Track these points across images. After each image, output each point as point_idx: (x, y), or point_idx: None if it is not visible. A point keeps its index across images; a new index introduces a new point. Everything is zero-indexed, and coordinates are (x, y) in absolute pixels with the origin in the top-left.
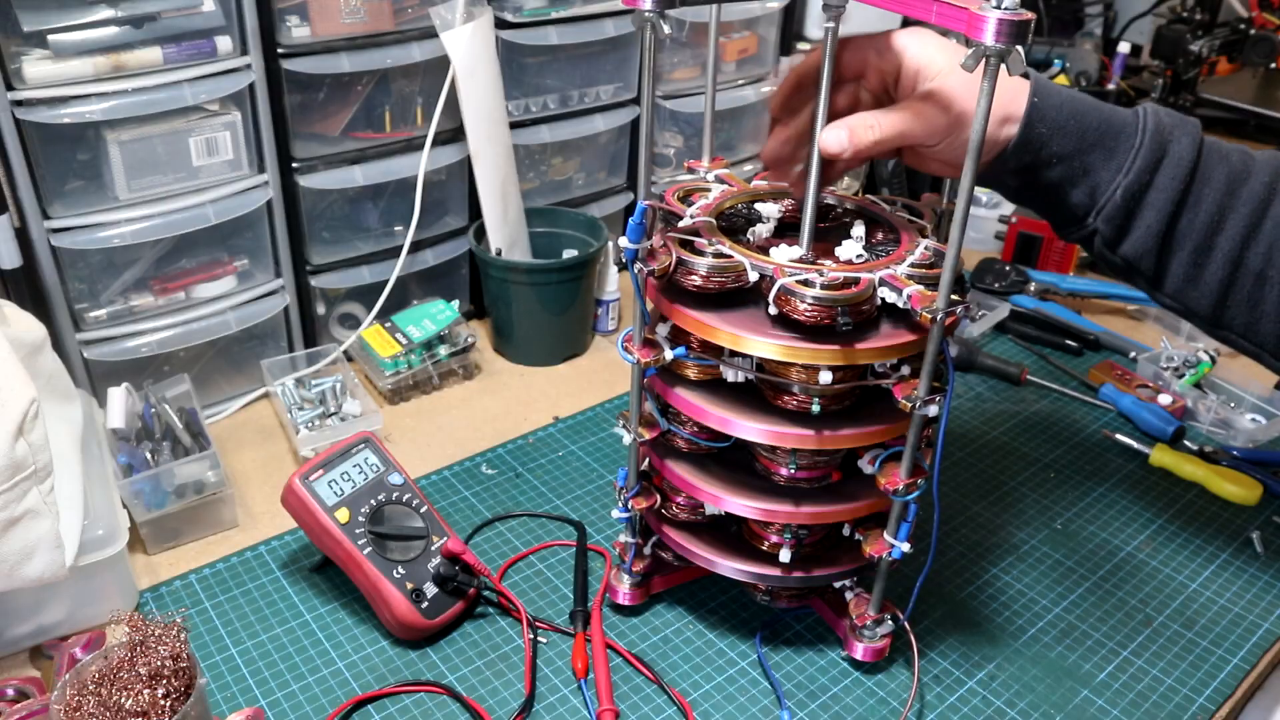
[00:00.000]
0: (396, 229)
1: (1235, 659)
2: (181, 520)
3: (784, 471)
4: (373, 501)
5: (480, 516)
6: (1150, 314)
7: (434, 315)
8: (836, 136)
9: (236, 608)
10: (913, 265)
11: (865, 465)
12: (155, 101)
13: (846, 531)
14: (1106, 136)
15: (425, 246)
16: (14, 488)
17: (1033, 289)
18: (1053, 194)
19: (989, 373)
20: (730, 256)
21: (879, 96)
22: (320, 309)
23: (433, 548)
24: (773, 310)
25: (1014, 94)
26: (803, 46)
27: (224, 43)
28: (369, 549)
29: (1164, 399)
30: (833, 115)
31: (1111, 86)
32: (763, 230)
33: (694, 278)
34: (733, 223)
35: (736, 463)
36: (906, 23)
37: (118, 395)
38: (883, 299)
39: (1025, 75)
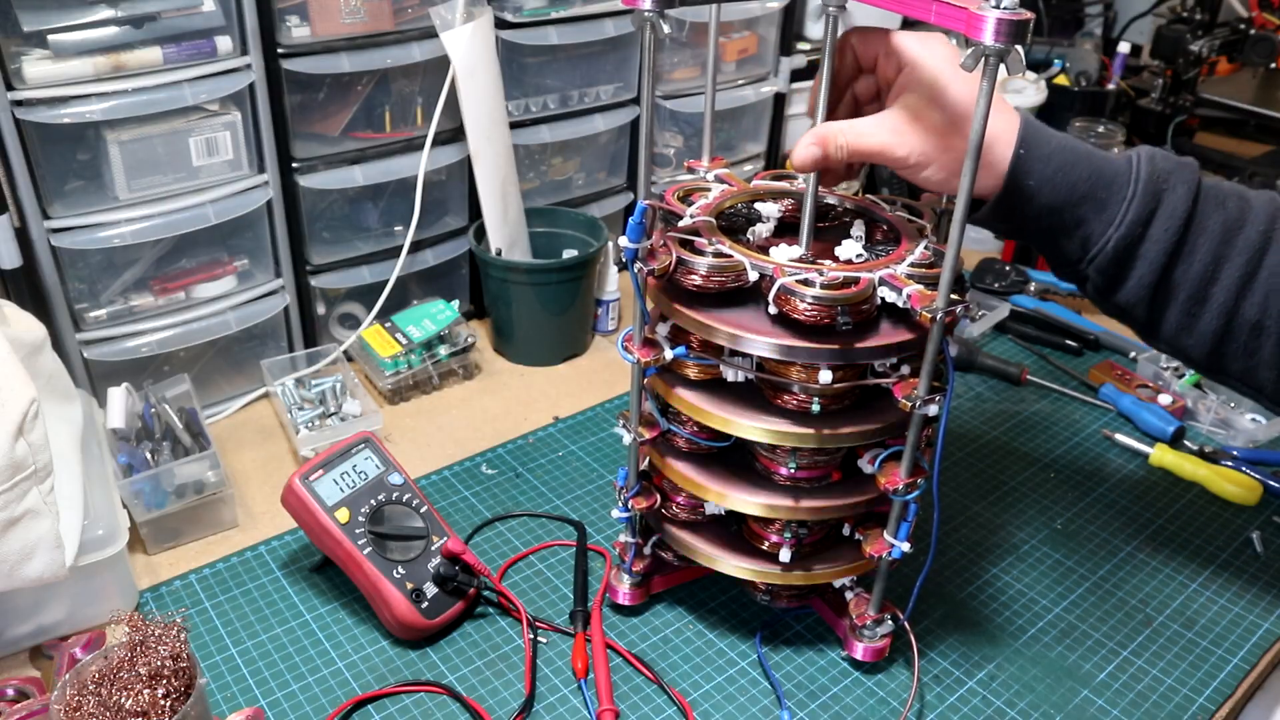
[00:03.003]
0: (396, 229)
1: (1235, 659)
2: (181, 520)
3: (784, 471)
4: (373, 501)
5: (480, 516)
6: None
7: (434, 315)
8: (809, 152)
9: (236, 608)
10: (913, 265)
11: (865, 465)
12: (155, 101)
13: (846, 531)
14: (1098, 187)
15: (425, 246)
16: (14, 488)
17: (1033, 289)
18: (1043, 241)
19: (989, 373)
20: (730, 256)
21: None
22: (320, 309)
23: (433, 548)
24: (773, 310)
25: (1000, 140)
26: (802, 46)
27: (224, 43)
28: (369, 549)
29: (1164, 399)
30: (854, 104)
31: (1111, 86)
32: (763, 230)
33: (694, 277)
34: (733, 222)
35: (736, 462)
36: (906, 23)
37: (118, 395)
38: (883, 298)
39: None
